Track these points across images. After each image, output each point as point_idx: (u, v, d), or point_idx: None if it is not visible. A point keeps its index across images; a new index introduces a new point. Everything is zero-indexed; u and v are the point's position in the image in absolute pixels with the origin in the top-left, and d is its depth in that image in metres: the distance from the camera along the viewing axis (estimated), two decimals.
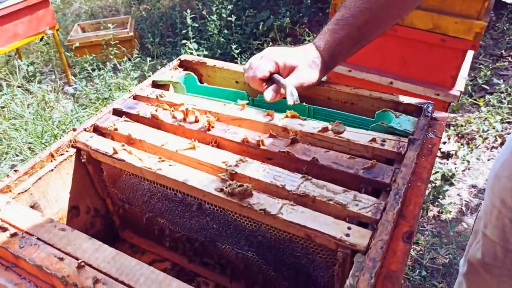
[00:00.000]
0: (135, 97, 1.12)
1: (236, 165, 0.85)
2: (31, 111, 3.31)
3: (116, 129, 0.99)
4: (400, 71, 2.24)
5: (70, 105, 3.44)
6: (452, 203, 2.33)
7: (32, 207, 0.91)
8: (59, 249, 0.72)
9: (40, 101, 3.46)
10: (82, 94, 3.59)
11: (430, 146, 0.93)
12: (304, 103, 1.06)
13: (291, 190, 0.79)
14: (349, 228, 0.72)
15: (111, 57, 3.77)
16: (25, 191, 0.88)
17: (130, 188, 0.99)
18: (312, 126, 0.94)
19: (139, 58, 3.91)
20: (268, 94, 0.95)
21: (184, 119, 1.00)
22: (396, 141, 0.88)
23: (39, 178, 0.91)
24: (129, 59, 3.86)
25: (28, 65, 3.94)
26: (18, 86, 3.65)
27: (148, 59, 3.66)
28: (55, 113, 3.37)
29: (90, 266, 0.69)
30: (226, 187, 0.80)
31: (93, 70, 3.67)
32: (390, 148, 0.86)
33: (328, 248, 0.74)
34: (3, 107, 3.37)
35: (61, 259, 0.70)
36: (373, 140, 0.88)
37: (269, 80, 0.99)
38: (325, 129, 0.91)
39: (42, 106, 3.40)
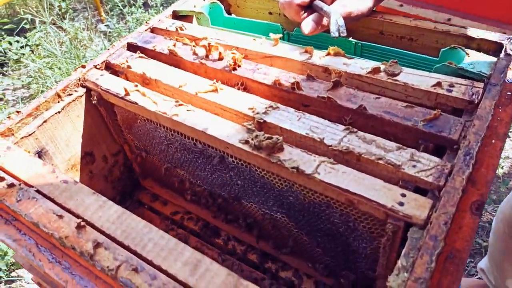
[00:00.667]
0: (153, 30, 0.97)
1: (265, 113, 0.71)
2: (64, 49, 3.25)
3: (129, 67, 0.86)
4: (460, 5, 1.93)
5: (102, 44, 3.35)
6: (506, 158, 2.10)
7: (39, 153, 0.82)
8: (59, 204, 0.63)
9: (73, 39, 3.39)
10: (114, 32, 3.48)
11: (510, 93, 0.73)
12: (350, 38, 0.88)
13: (331, 145, 0.64)
14: (403, 195, 0.57)
15: None
16: (29, 135, 0.79)
17: (146, 135, 0.88)
18: (360, 66, 0.76)
19: None
20: (307, 25, 0.78)
21: (207, 56, 0.85)
22: (468, 86, 0.69)
23: (45, 121, 0.81)
24: None
25: (60, 1, 3.83)
26: (51, 23, 3.58)
27: None
28: (88, 51, 3.30)
29: (92, 225, 0.60)
30: (252, 139, 0.67)
31: (124, 6, 3.52)
32: (460, 95, 0.68)
33: (374, 217, 0.61)
34: (37, 45, 3.33)
35: (60, 216, 0.61)
36: (438, 84, 0.70)
37: (309, 7, 0.81)
38: (376, 70, 0.74)
39: (75, 45, 3.34)
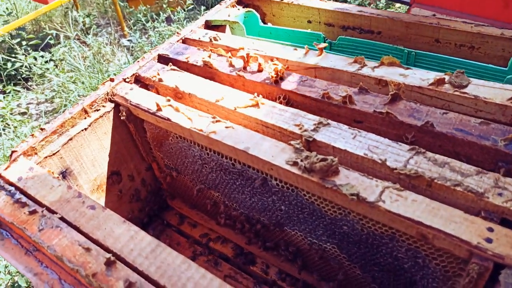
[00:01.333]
0: (185, 41, 0.91)
1: (314, 130, 0.63)
2: (87, 63, 3.26)
3: (161, 80, 0.79)
4: (500, 14, 1.82)
5: (125, 58, 3.35)
6: None
7: (63, 173, 0.76)
8: (85, 234, 0.56)
9: (96, 54, 3.40)
10: (137, 47, 3.48)
11: None
12: (401, 46, 0.80)
13: (395, 168, 0.56)
14: (490, 230, 0.48)
15: (165, 6, 3.59)
16: (54, 154, 0.73)
17: (178, 153, 0.81)
18: (420, 77, 0.68)
19: (193, 7, 3.69)
20: None
21: (245, 68, 0.78)
22: None
23: (70, 139, 0.75)
24: (183, 9, 3.66)
25: (84, 17, 3.88)
26: (75, 38, 3.61)
27: (203, 8, 3.43)
28: (111, 66, 3.30)
29: (123, 260, 0.52)
30: (302, 160, 0.58)
31: (147, 21, 3.52)
32: None
33: (453, 255, 0.51)
34: (61, 60, 3.35)
35: (87, 249, 0.53)
36: None
37: None
38: (440, 82, 0.65)
39: (98, 59, 3.34)
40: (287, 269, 0.82)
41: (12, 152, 0.70)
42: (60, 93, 2.95)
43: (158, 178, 0.95)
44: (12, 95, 2.96)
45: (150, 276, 0.50)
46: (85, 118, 0.77)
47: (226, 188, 0.76)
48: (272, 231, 0.76)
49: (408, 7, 0.94)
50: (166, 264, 0.51)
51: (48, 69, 3.22)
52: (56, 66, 3.30)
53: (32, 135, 0.72)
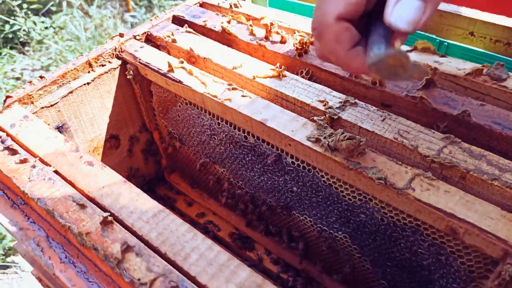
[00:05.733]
0: (202, 5, 0.85)
1: (340, 108, 0.58)
2: (88, 35, 3.17)
3: (174, 41, 0.73)
4: None
5: None
6: None
7: (59, 128, 0.70)
8: (80, 191, 0.50)
9: (98, 26, 3.31)
10: (140, 23, 3.40)
11: None
12: (433, 35, 0.75)
13: (427, 156, 0.51)
14: None
15: None
16: (51, 105, 0.67)
17: (185, 121, 0.75)
18: (456, 66, 0.63)
19: None
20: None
21: (266, 38, 0.72)
22: None
23: (71, 92, 0.69)
24: None
25: None
26: (78, 8, 3.51)
27: None
28: None
29: (121, 223, 0.47)
30: (325, 137, 0.53)
31: None
32: None
33: (483, 253, 0.47)
34: (61, 28, 3.25)
35: (82, 206, 0.48)
36: None
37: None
38: (478, 73, 0.61)
39: (100, 32, 3.26)
40: (287, 257, 0.77)
41: (7, 97, 0.64)
42: (57, 61, 2.85)
43: (158, 149, 0.90)
44: (7, 59, 2.85)
45: (150, 242, 0.45)
46: (88, 72, 0.71)
47: (234, 163, 0.71)
48: (278, 214, 0.72)
49: None
50: (169, 231, 0.46)
51: (47, 35, 3.12)
52: (56, 33, 3.20)
53: (30, 82, 0.66)
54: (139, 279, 0.41)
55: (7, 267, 2.01)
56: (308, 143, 0.55)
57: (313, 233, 0.67)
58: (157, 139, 0.87)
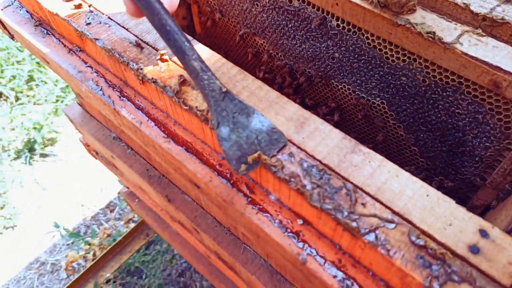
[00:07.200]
0: None
1: None
2: None
3: None
4: None
5: None
6: None
7: None
8: (136, 36, 0.53)
9: None
10: None
11: None
12: None
13: (479, 13, 0.50)
14: None
15: None
16: None
17: None
18: None
19: None
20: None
21: None
22: None
23: None
24: None
25: None
26: None
27: None
28: None
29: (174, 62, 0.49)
30: None
31: None
32: None
33: None
34: None
35: (138, 46, 0.50)
36: None
37: None
38: None
39: None
40: None
41: None
42: None
43: (194, 22, 0.90)
44: None
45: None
46: None
47: (275, 32, 0.72)
48: (316, 86, 0.73)
49: None
50: (220, 72, 0.48)
51: None
52: None
53: None
54: (196, 107, 0.44)
55: (46, 155, 2.17)
56: (357, 0, 0.54)
57: (350, 102, 0.69)
58: (196, 13, 0.87)
